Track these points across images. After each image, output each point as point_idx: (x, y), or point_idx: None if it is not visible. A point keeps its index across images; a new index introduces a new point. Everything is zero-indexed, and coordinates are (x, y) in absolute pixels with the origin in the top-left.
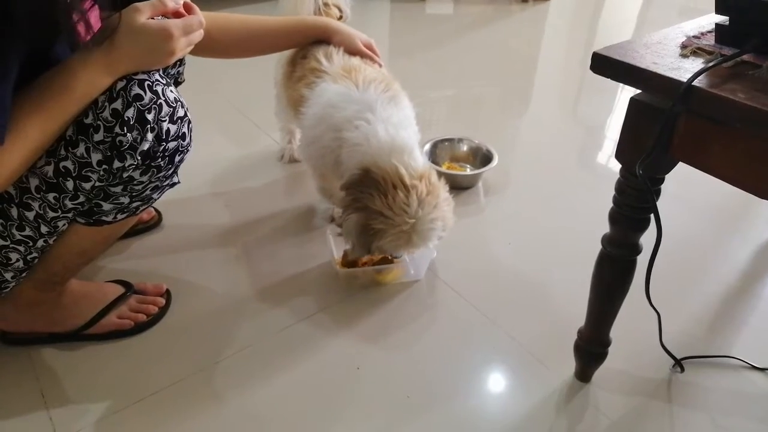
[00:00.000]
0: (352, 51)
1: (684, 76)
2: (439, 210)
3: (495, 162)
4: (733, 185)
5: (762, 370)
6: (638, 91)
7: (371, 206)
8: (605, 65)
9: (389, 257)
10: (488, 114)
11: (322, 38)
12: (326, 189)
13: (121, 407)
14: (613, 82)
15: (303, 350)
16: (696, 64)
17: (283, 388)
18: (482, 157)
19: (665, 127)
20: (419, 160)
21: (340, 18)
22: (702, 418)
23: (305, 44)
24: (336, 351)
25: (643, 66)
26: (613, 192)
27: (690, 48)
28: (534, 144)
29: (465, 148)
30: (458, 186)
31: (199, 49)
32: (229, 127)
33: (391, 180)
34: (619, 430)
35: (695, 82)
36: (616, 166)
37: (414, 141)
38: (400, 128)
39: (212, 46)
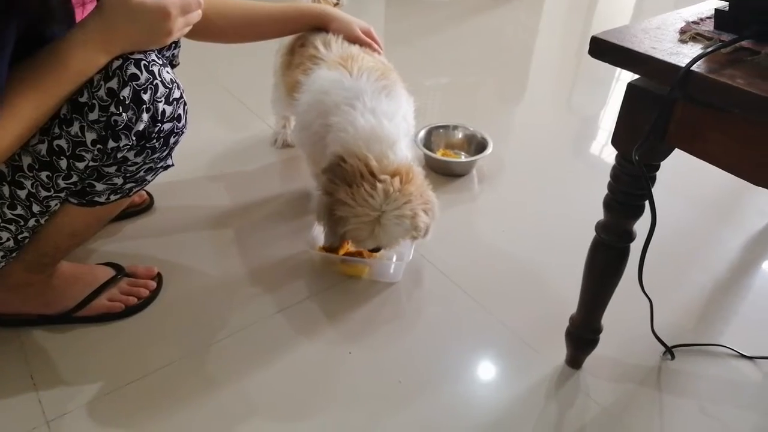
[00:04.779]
0: (350, 38)
1: (682, 61)
2: (410, 208)
3: (490, 149)
4: (730, 172)
5: (750, 358)
6: (636, 77)
7: (336, 195)
8: (603, 49)
9: (363, 252)
10: (483, 101)
11: (319, 25)
12: (319, 174)
13: (110, 390)
14: (609, 72)
15: (296, 334)
16: (695, 49)
17: (276, 371)
18: (477, 145)
19: (662, 112)
20: (401, 153)
21: (337, 5)
22: (691, 405)
23: (303, 31)
24: (328, 336)
25: (641, 50)
26: (606, 180)
27: (689, 33)
28: (529, 132)
29: (460, 135)
30: (452, 173)
31: (196, 33)
32: (222, 112)
33: (358, 170)
34: (609, 417)
35: (693, 68)
36: (610, 155)
37: (399, 133)
38: (385, 118)
39: (209, 30)
